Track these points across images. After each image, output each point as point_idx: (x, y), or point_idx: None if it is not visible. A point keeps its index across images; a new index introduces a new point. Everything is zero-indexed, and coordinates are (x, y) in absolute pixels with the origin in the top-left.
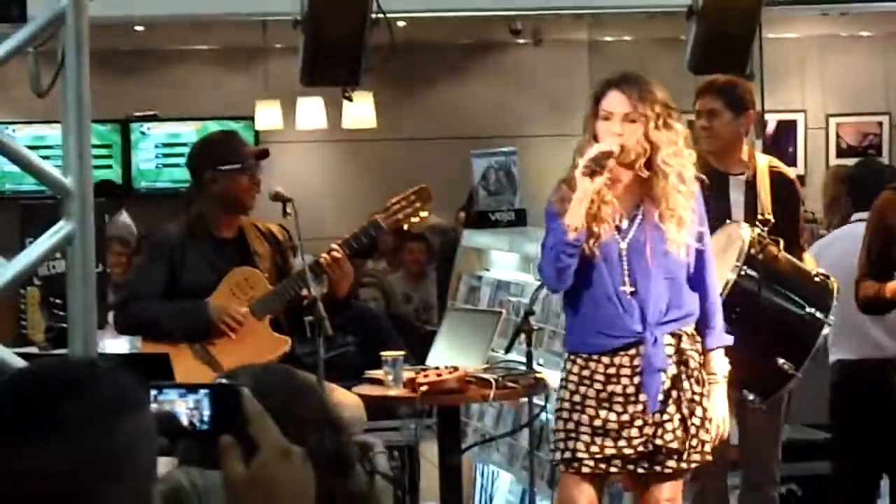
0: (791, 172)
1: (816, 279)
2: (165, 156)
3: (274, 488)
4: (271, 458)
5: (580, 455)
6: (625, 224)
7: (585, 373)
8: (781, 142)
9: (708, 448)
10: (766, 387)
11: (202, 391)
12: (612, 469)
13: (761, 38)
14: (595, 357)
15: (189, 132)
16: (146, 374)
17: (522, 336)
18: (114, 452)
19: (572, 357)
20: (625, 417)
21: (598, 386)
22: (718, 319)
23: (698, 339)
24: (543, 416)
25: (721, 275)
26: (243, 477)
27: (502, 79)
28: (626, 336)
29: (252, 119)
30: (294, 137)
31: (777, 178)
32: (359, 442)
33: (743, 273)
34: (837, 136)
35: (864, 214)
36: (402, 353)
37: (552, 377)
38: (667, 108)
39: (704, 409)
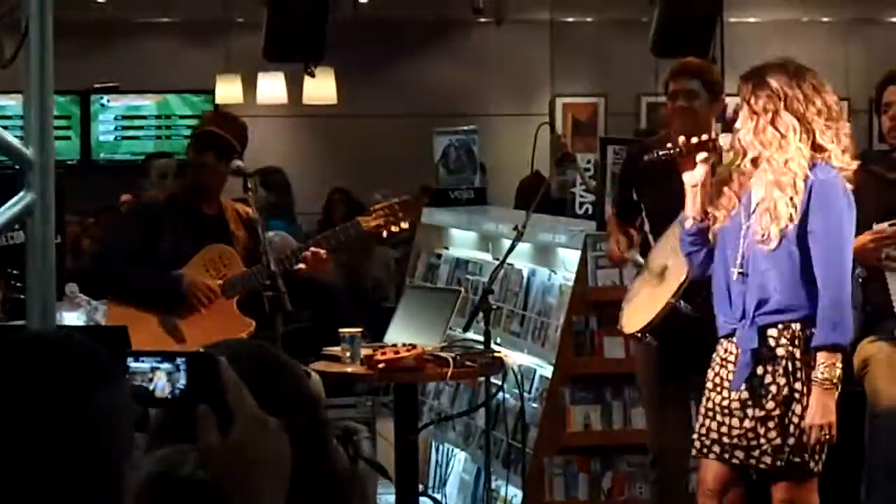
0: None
1: None
2: (125, 128)
3: (250, 459)
4: (248, 429)
5: (693, 436)
6: (742, 211)
7: (713, 356)
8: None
9: (803, 453)
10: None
11: (179, 359)
12: (711, 455)
13: (723, 21)
14: (719, 341)
15: (149, 105)
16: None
17: (481, 315)
18: (91, 426)
19: None
20: (725, 403)
21: (716, 368)
22: (825, 317)
23: (805, 336)
24: (500, 395)
25: (686, 259)
26: (219, 447)
27: (464, 57)
28: (731, 321)
29: (212, 93)
30: (254, 112)
31: None
32: (344, 426)
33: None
34: None
35: None
36: (359, 329)
37: (510, 356)
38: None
39: (803, 409)
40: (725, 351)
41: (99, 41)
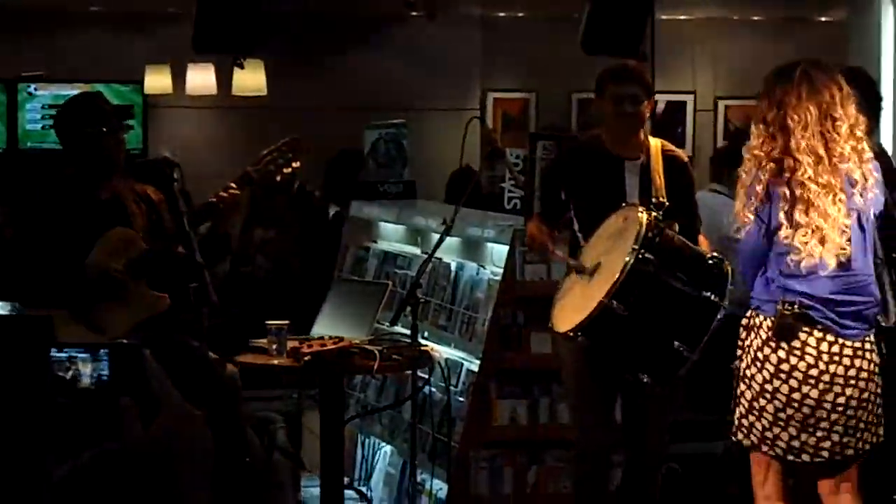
0: (684, 155)
1: (710, 262)
2: (52, 117)
3: (175, 450)
4: (172, 421)
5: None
6: None
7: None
8: (670, 123)
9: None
10: (663, 370)
11: (102, 351)
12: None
13: (654, 18)
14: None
15: (77, 94)
16: (28, 336)
17: (408, 309)
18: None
19: None
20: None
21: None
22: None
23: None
24: (427, 389)
25: (619, 258)
26: (143, 438)
27: (395, 51)
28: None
29: (141, 83)
30: (183, 103)
31: (670, 161)
32: (259, 416)
33: (640, 256)
34: (726, 118)
35: (718, 185)
36: (286, 322)
37: (437, 350)
38: None
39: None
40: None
41: (28, 30)
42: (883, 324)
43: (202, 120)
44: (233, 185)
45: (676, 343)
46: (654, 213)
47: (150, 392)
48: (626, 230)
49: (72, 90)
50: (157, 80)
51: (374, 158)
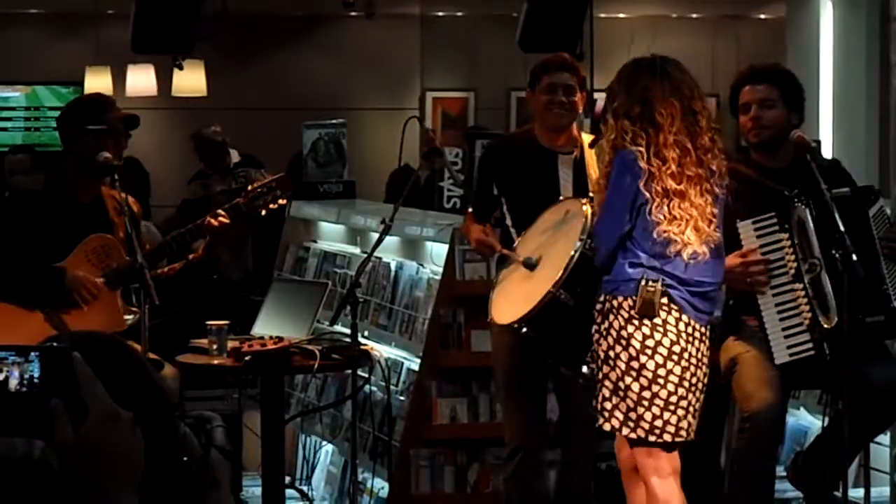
0: None
1: None
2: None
3: (102, 452)
4: (100, 423)
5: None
6: None
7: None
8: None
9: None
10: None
11: (32, 353)
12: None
13: (592, 17)
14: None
15: (18, 96)
16: None
17: (348, 308)
18: None
19: None
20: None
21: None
22: None
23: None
24: (367, 388)
25: (565, 249)
26: (72, 441)
27: (334, 51)
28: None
29: (82, 85)
30: (124, 104)
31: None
32: (197, 415)
33: (588, 246)
34: None
35: None
36: (226, 322)
37: (377, 349)
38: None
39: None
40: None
41: None
42: (825, 325)
43: (143, 121)
44: (222, 213)
45: None
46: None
47: (78, 394)
48: (571, 220)
49: (13, 92)
50: (98, 82)
51: (314, 158)
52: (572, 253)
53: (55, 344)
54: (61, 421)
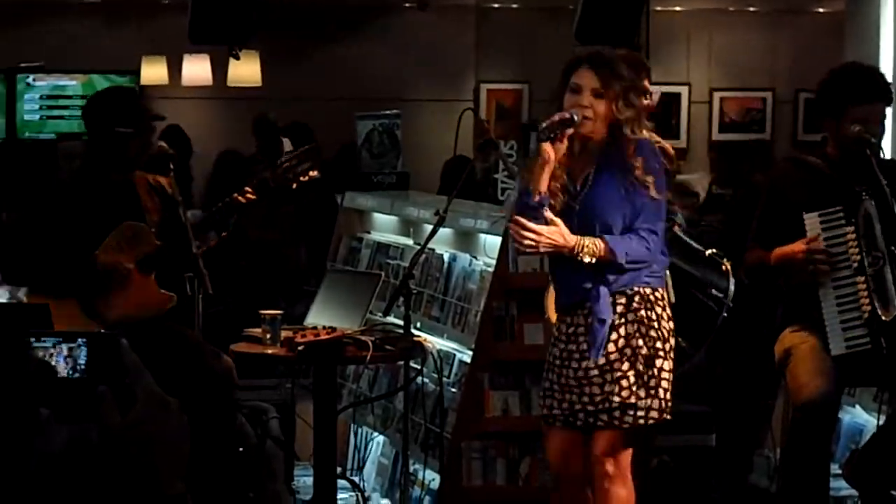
0: (671, 149)
1: (710, 259)
2: (49, 107)
3: (150, 438)
4: (147, 410)
5: (555, 412)
6: (578, 186)
7: (556, 332)
8: (665, 114)
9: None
10: None
11: (80, 340)
12: (578, 422)
13: (648, 9)
14: (561, 317)
15: (74, 85)
16: (25, 324)
17: (401, 299)
18: None
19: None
20: (581, 374)
21: (559, 346)
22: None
23: (655, 299)
24: (420, 379)
25: None
26: (119, 427)
27: (389, 42)
28: (578, 294)
29: (138, 73)
30: (179, 93)
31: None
32: (252, 406)
33: None
34: (721, 110)
35: None
36: (280, 311)
37: (430, 341)
38: (633, 85)
39: (670, 366)
40: (570, 325)
41: (25, 20)
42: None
43: (198, 110)
44: (249, 189)
45: (681, 341)
46: None
47: (125, 381)
48: None
49: (69, 81)
50: (153, 71)
51: (368, 149)
52: None
53: (102, 331)
54: (108, 407)
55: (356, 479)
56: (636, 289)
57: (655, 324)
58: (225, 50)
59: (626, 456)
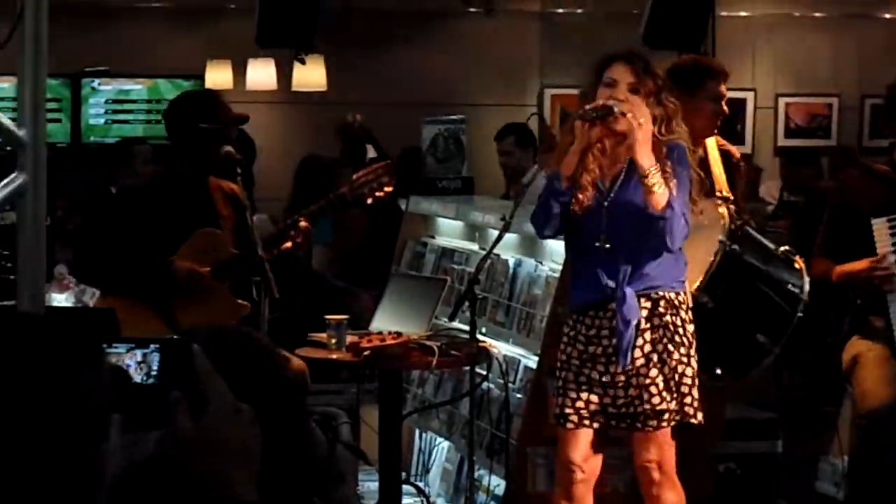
0: (737, 152)
1: (783, 257)
2: (115, 112)
3: (221, 445)
4: (219, 415)
5: (567, 411)
6: (608, 184)
7: (572, 333)
8: (730, 119)
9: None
10: (741, 364)
11: (152, 346)
12: (595, 424)
13: (714, 15)
14: (580, 316)
15: (139, 89)
16: (92, 328)
17: (466, 304)
18: (64, 405)
19: (568, 317)
20: (606, 378)
21: (580, 346)
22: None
23: (679, 303)
24: (485, 385)
25: (704, 249)
26: (191, 433)
27: (453, 47)
28: (601, 293)
29: (202, 78)
30: (243, 98)
31: (725, 158)
32: (322, 411)
33: (728, 248)
34: (787, 116)
35: None
36: (345, 316)
37: (495, 346)
38: (666, 84)
39: (693, 371)
40: (591, 327)
41: (90, 24)
42: None
43: (263, 115)
44: (304, 221)
45: (760, 337)
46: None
47: (198, 387)
48: (709, 221)
49: (134, 85)
50: (218, 76)
51: (433, 154)
52: (714, 255)
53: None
54: (181, 413)
55: (421, 484)
56: (661, 293)
57: (681, 329)
58: (289, 54)
59: (671, 459)
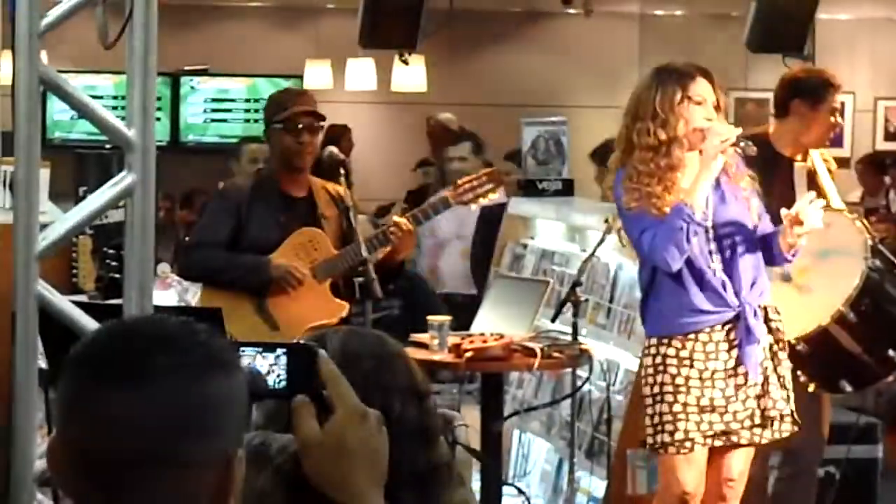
0: (833, 162)
1: None
2: (214, 111)
3: (347, 450)
4: (346, 421)
5: (692, 434)
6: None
7: (684, 353)
8: None
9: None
10: (865, 377)
11: (280, 350)
12: (718, 443)
13: (814, 18)
14: (691, 336)
15: (239, 88)
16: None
17: (569, 306)
18: (201, 410)
19: (665, 340)
20: (729, 392)
21: (699, 365)
22: None
23: (778, 311)
24: (585, 386)
25: (843, 266)
26: (317, 437)
27: (552, 48)
28: (722, 310)
29: (301, 78)
30: (342, 98)
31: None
32: (440, 414)
33: (870, 264)
34: (886, 119)
35: None
36: (448, 318)
37: (596, 349)
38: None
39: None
40: (708, 343)
41: (191, 24)
42: None
43: (362, 115)
44: (407, 221)
45: (892, 352)
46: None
47: (324, 392)
48: (833, 237)
49: (234, 85)
50: (317, 76)
51: (534, 155)
52: (861, 270)
53: (302, 341)
54: (307, 418)
55: (520, 484)
56: (767, 303)
57: (783, 335)
58: (388, 55)
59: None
